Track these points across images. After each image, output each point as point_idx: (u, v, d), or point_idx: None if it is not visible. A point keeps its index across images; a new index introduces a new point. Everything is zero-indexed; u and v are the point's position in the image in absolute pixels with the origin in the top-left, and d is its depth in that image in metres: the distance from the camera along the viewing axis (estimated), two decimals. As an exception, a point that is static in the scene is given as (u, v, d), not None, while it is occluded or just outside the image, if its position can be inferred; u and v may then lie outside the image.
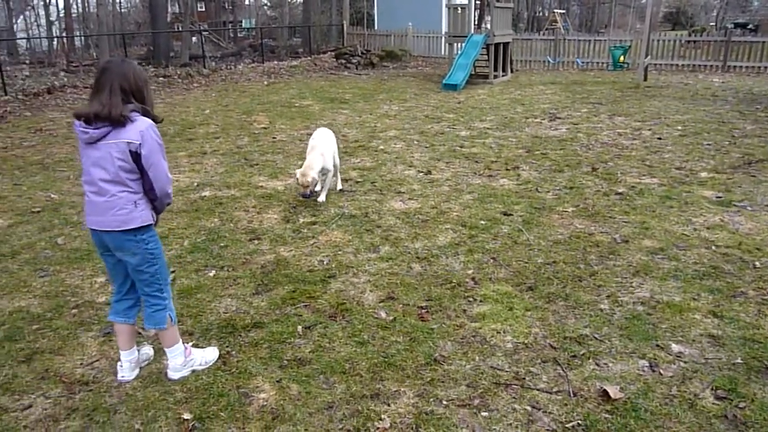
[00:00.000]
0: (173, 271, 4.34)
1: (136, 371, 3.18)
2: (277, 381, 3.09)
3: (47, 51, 23.54)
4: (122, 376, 3.12)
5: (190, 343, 3.31)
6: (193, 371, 3.18)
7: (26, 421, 2.84)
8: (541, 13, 46.70)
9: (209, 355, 3.28)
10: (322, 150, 5.70)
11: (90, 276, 4.41)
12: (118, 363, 3.15)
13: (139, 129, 2.70)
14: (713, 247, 4.63)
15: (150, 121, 2.77)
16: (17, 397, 3.01)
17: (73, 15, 30.37)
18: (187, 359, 3.15)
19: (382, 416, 2.80)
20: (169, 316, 3.05)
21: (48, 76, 16.35)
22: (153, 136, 2.74)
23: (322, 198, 5.82)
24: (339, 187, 5.93)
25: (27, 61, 21.50)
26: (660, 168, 6.91)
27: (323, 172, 5.45)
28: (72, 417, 2.86)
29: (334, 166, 5.95)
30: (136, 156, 2.72)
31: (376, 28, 23.81)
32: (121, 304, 3.10)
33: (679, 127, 9.13)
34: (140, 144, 2.70)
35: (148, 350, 3.32)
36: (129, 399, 2.98)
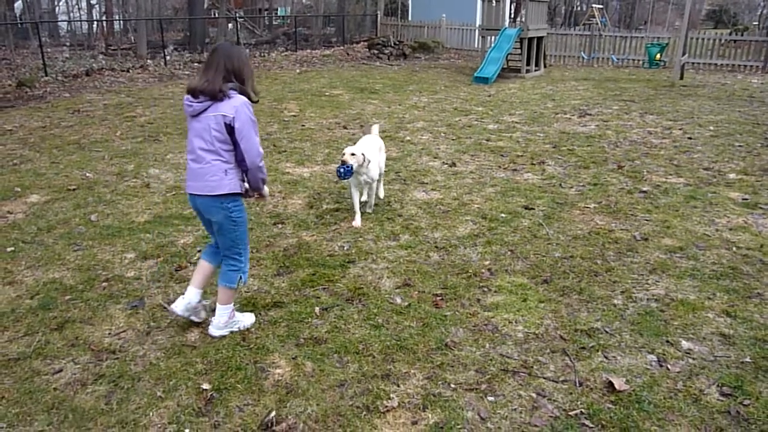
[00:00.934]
0: (199, 251, 4.51)
1: (186, 314, 3.43)
2: (293, 358, 3.22)
3: (87, 34, 24.06)
4: (174, 306, 3.41)
5: (234, 306, 3.54)
6: (232, 331, 3.45)
7: (56, 383, 3.02)
8: (578, 8, 45.89)
9: (247, 320, 3.56)
10: (367, 143, 5.33)
11: (120, 252, 4.60)
12: (180, 296, 3.45)
13: (234, 105, 3.02)
14: (734, 249, 4.61)
15: (245, 98, 3.09)
16: (49, 362, 3.20)
17: (113, -1, 30.95)
18: (229, 320, 3.43)
19: (391, 395, 2.91)
20: (240, 277, 3.36)
21: (87, 58, 16.78)
22: (246, 111, 3.05)
23: (370, 207, 5.51)
24: (381, 194, 5.71)
25: (67, 44, 22.03)
26: (688, 168, 6.85)
27: (362, 162, 5.02)
28: (99, 382, 3.03)
29: (380, 174, 5.56)
30: (230, 129, 3.04)
31: (410, 19, 23.79)
32: (212, 248, 3.45)
33: (712, 128, 8.99)
34: (234, 118, 3.01)
35: (204, 308, 3.53)
36: (152, 368, 3.14)
